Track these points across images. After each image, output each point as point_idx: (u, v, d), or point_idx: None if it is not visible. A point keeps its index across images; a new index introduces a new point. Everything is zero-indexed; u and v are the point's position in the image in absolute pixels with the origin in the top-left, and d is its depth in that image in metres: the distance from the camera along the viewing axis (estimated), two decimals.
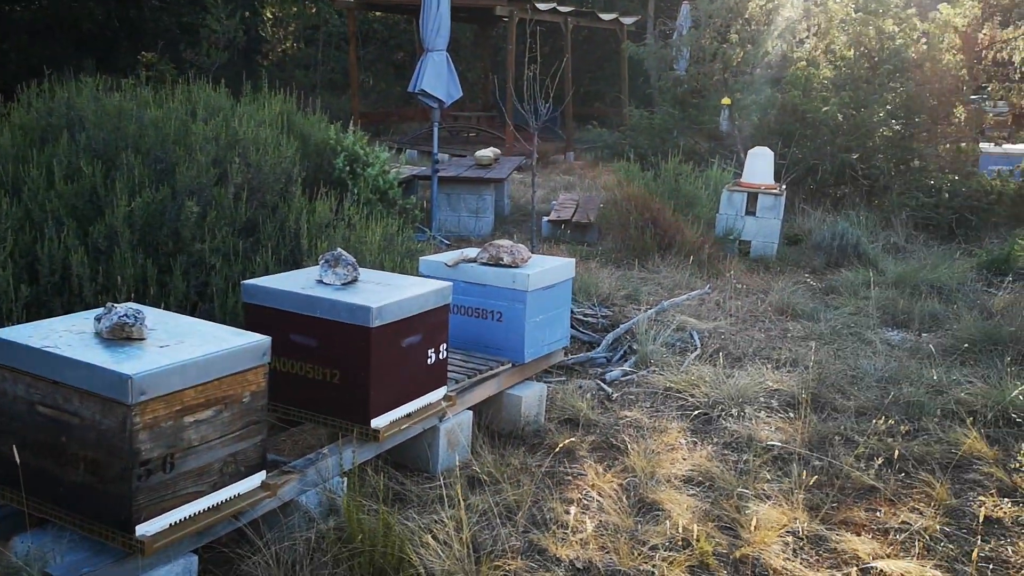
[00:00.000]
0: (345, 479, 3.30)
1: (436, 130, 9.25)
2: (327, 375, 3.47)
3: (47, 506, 2.65)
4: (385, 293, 3.52)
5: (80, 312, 2.99)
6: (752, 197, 8.67)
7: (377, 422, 3.44)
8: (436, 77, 8.72)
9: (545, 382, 4.83)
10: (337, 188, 6.26)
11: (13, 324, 3.76)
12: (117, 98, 5.22)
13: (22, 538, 2.65)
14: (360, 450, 3.45)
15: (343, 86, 19.38)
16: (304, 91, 7.48)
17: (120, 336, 2.66)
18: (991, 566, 3.28)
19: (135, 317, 2.68)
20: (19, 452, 2.62)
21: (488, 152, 10.61)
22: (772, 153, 9.01)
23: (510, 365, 4.37)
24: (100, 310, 2.74)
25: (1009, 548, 3.42)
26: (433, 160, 9.25)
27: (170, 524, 2.60)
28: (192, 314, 4.19)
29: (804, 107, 10.49)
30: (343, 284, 3.61)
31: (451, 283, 3.89)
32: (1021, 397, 4.68)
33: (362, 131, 7.20)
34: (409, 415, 3.62)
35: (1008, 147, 12.85)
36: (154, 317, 2.93)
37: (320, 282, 3.62)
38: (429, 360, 3.70)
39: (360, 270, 3.73)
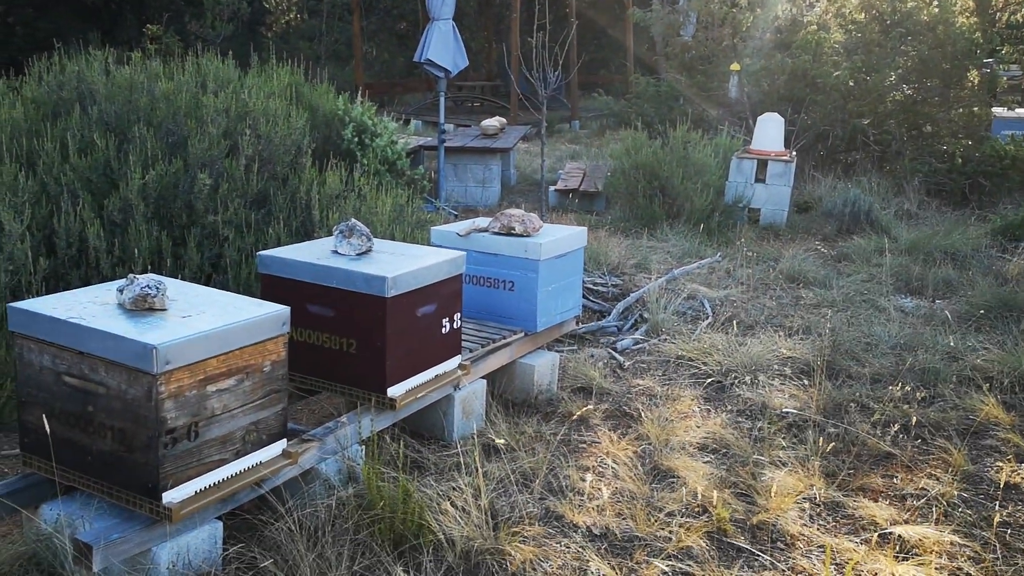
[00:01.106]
0: (363, 447, 3.33)
1: (442, 100, 9.20)
2: (344, 345, 3.48)
3: (75, 474, 2.68)
4: (400, 263, 3.53)
5: (101, 283, 3.01)
6: (762, 164, 8.62)
7: (393, 391, 3.46)
8: (443, 46, 8.67)
9: (557, 351, 4.85)
10: (346, 159, 6.25)
11: (33, 296, 3.78)
12: (127, 71, 5.20)
13: (51, 506, 2.69)
14: (377, 418, 3.47)
15: (347, 57, 19.26)
16: (309, 62, 7.43)
17: (143, 307, 2.68)
18: (1009, 531, 3.30)
19: (157, 288, 2.69)
20: (47, 421, 2.65)
21: (494, 121, 10.56)
22: (782, 119, 8.95)
23: (523, 334, 4.38)
24: (122, 281, 2.76)
25: None
26: (439, 130, 9.22)
27: (195, 491, 2.63)
28: (206, 285, 4.21)
29: (814, 72, 10.39)
30: (358, 254, 3.62)
31: (464, 252, 3.89)
32: None
33: (368, 102, 7.17)
34: (425, 384, 3.64)
35: (1021, 111, 12.74)
36: (175, 288, 2.94)
37: (335, 252, 3.63)
38: (444, 329, 3.71)
39: (374, 240, 3.73)
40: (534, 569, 2.95)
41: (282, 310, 2.86)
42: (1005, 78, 13.68)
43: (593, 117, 17.05)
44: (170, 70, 5.48)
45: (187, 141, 4.70)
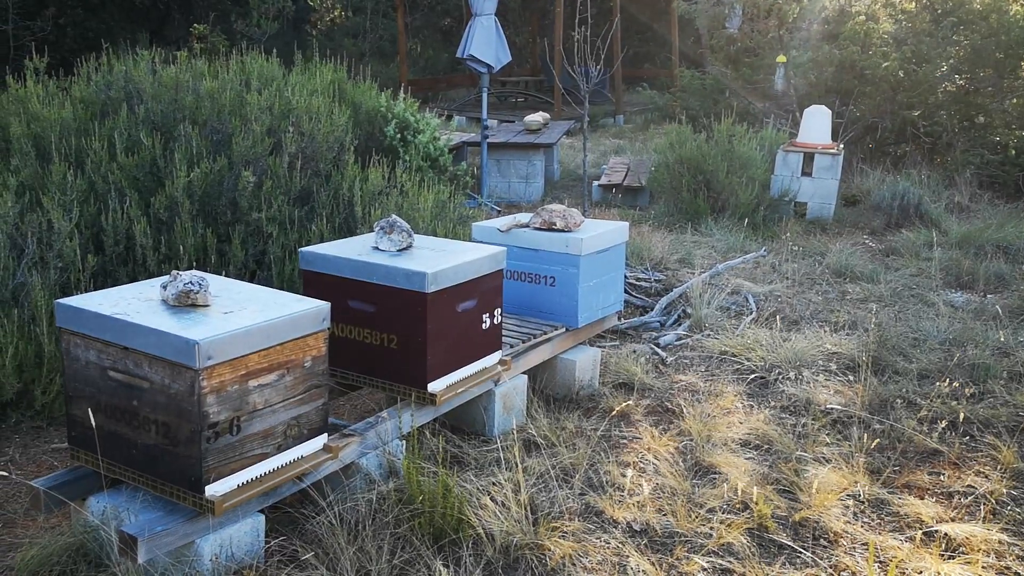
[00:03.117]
0: (404, 442, 3.36)
1: (485, 96, 9.21)
2: (385, 340, 3.51)
3: (121, 467, 2.74)
4: (440, 259, 3.54)
5: (146, 280, 3.07)
6: (808, 157, 8.49)
7: (434, 386, 3.48)
8: (485, 42, 8.67)
9: (599, 346, 4.83)
10: (388, 156, 6.28)
11: (81, 293, 3.87)
12: (173, 70, 5.30)
13: (98, 498, 2.75)
14: (418, 413, 3.49)
15: (391, 54, 19.37)
16: (353, 59, 7.49)
17: (186, 303, 2.72)
18: None
19: (199, 284, 2.74)
20: (94, 415, 2.71)
21: (537, 117, 10.55)
22: (829, 112, 8.80)
23: (564, 329, 4.37)
24: (166, 278, 2.81)
25: None
26: (483, 126, 9.23)
27: (238, 485, 2.67)
28: (250, 281, 4.28)
29: (863, 63, 10.19)
30: (398, 250, 3.64)
31: (504, 248, 3.89)
32: None
33: (412, 98, 7.21)
34: (465, 379, 3.65)
35: None
36: (217, 284, 2.99)
37: (376, 248, 3.65)
38: (484, 325, 3.72)
39: (414, 236, 3.75)
40: (573, 564, 2.95)
41: (322, 306, 2.89)
42: None
43: (637, 111, 16.93)
44: (215, 69, 5.56)
45: (231, 139, 4.77)
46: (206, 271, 4.10)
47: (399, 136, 6.57)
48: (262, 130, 4.85)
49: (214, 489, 2.59)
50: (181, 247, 4.32)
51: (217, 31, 12.81)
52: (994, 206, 8.73)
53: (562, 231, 4.41)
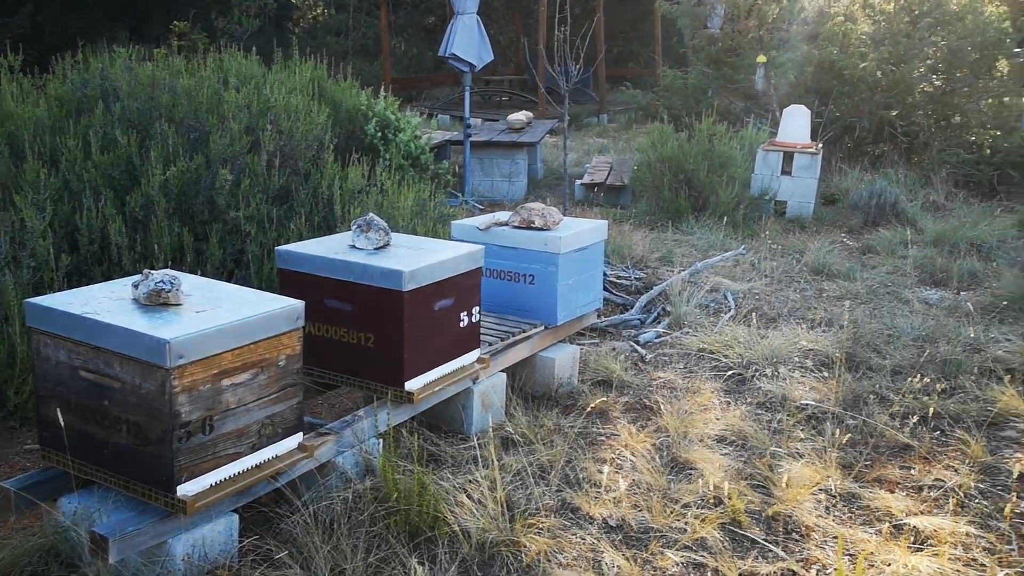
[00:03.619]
0: (381, 440, 3.36)
1: (468, 94, 9.22)
2: (362, 339, 3.51)
3: (92, 468, 2.73)
4: (417, 257, 3.55)
5: (118, 279, 3.06)
6: (788, 156, 8.55)
7: (411, 384, 3.49)
8: (467, 41, 8.68)
9: (578, 344, 4.85)
10: (369, 154, 6.29)
11: (55, 292, 3.86)
12: (150, 68, 5.28)
13: (69, 499, 2.75)
14: (395, 412, 3.50)
15: (375, 52, 19.33)
16: (335, 57, 7.48)
17: (157, 302, 2.72)
18: None
19: (171, 283, 2.73)
20: (64, 416, 2.71)
21: (520, 116, 10.56)
22: (808, 111, 8.86)
23: (543, 327, 4.39)
24: (137, 277, 2.80)
25: None
26: (465, 125, 9.24)
27: (211, 484, 2.67)
28: (228, 281, 4.27)
29: (841, 64, 10.27)
30: (375, 249, 3.64)
31: (483, 246, 3.90)
32: None
33: (393, 97, 7.21)
34: (443, 377, 3.66)
35: None
36: (190, 283, 2.99)
37: (353, 247, 3.66)
38: (462, 323, 3.73)
39: (392, 235, 3.76)
40: (548, 560, 2.97)
41: (296, 304, 2.89)
42: None
43: (621, 110, 16.99)
44: (192, 66, 5.54)
45: (208, 137, 4.76)
46: (183, 270, 4.10)
47: (380, 135, 6.57)
48: (240, 128, 4.85)
49: (186, 489, 2.59)
50: (156, 246, 4.31)
51: (197, 29, 12.75)
52: (969, 205, 8.81)
53: (541, 229, 4.42)
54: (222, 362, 2.64)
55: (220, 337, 2.61)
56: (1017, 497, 3.44)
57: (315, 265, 3.57)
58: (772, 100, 10.95)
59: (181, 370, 2.51)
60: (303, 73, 6.31)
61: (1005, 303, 5.60)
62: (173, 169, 4.51)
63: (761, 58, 11.08)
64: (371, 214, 3.74)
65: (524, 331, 4.29)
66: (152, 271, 2.77)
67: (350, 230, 3.75)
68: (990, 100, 10.49)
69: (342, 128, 6.47)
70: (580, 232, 4.50)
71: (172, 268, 4.10)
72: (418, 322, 3.47)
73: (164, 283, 2.71)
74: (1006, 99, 10.56)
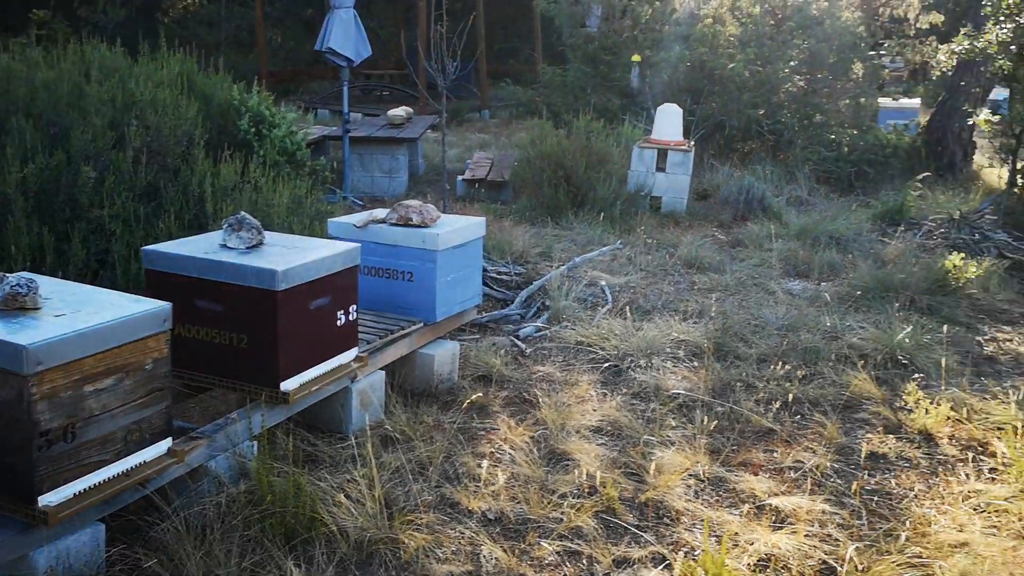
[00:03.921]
0: (255, 443, 3.31)
1: (346, 89, 9.12)
2: (234, 340, 3.45)
3: None
4: (291, 256, 3.51)
5: None
6: (662, 153, 8.81)
7: (287, 385, 3.45)
8: (344, 35, 8.57)
9: (459, 340, 4.89)
10: (242, 150, 6.12)
11: None
12: (5, 60, 5.00)
13: None
14: (270, 413, 3.45)
15: (250, 44, 18.83)
16: (207, 50, 7.25)
17: (13, 307, 2.60)
18: (875, 497, 3.50)
19: (28, 287, 2.62)
20: None
21: (401, 111, 10.51)
22: (680, 110, 9.16)
23: (422, 324, 4.41)
24: None
25: (892, 480, 3.65)
26: (344, 120, 9.13)
27: (74, 494, 2.57)
28: (93, 282, 4.11)
29: (711, 64, 10.66)
30: (248, 248, 3.58)
31: (359, 244, 3.89)
32: (907, 340, 4.95)
33: (268, 91, 7.05)
34: (320, 377, 3.63)
35: (904, 101, 13.35)
36: (49, 286, 2.87)
37: (224, 246, 3.58)
38: (339, 322, 3.71)
39: (266, 233, 3.70)
40: (427, 556, 2.99)
41: (163, 306, 2.82)
42: (888, 70, 14.31)
43: (503, 107, 17.11)
44: (52, 58, 5.28)
45: (69, 132, 4.56)
46: (43, 272, 3.91)
47: (254, 130, 6.42)
48: (103, 123, 4.65)
49: (48, 499, 2.49)
50: (14, 247, 4.10)
51: (59, 18, 12.13)
52: (829, 199, 9.31)
53: (419, 227, 4.44)
54: (83, 367, 2.55)
55: (81, 342, 2.52)
56: (868, 475, 3.68)
57: (184, 265, 3.48)
58: (647, 98, 11.26)
59: (40, 377, 2.41)
60: (172, 66, 6.09)
61: (860, 293, 5.96)
62: (31, 166, 4.30)
63: (636, 57, 11.39)
64: (243, 212, 3.67)
65: (403, 328, 4.29)
66: (8, 275, 2.65)
67: (221, 229, 3.68)
68: (848, 101, 11.10)
69: (214, 123, 6.28)
70: (459, 229, 4.53)
71: (32, 270, 3.91)
72: (293, 322, 3.43)
73: (20, 287, 2.60)
74: (862, 100, 11.21)
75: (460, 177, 9.59)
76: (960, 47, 8.34)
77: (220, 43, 17.23)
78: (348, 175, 9.09)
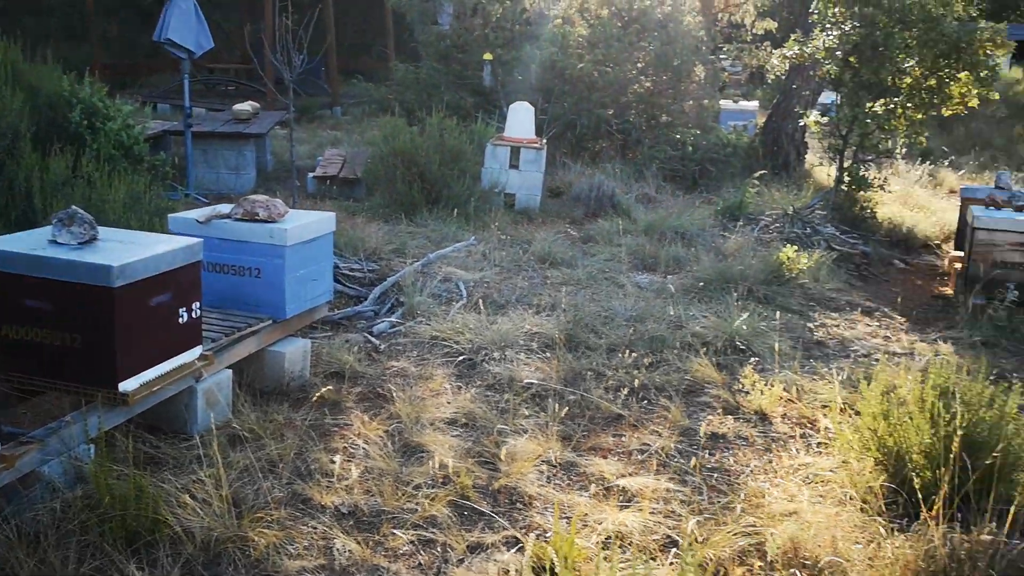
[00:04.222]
0: (92, 446, 3.15)
1: (187, 83, 8.76)
2: (66, 340, 3.27)
3: None
4: (128, 251, 3.36)
5: None
6: (515, 151, 8.93)
7: (125, 385, 3.30)
8: (184, 25, 8.24)
9: (311, 338, 4.81)
10: (74, 144, 5.80)
11: None
12: None
13: None
14: (108, 415, 3.29)
15: (83, 35, 17.79)
16: (35, 39, 6.81)
17: None
18: (715, 474, 3.69)
19: None
20: None
21: (246, 106, 10.20)
22: (532, 108, 9.31)
23: (271, 321, 4.31)
24: None
25: (731, 458, 3.86)
26: (185, 114, 8.78)
27: None
28: None
29: (561, 64, 10.89)
30: (80, 243, 3.40)
31: (201, 239, 3.76)
32: (745, 327, 5.23)
33: (103, 83, 6.70)
34: (161, 376, 3.49)
35: (744, 104, 14.09)
36: None
37: (53, 242, 3.39)
38: (181, 319, 3.58)
39: (100, 229, 3.53)
40: (278, 552, 2.94)
41: None
42: (728, 73, 15.07)
43: (355, 103, 16.86)
44: None
45: None
46: None
47: (86, 123, 6.09)
48: None
49: None
50: None
51: None
52: (675, 196, 9.70)
53: (265, 221, 4.34)
54: None
55: None
56: (708, 454, 3.88)
57: (10, 262, 3.28)
58: (500, 97, 11.39)
59: None
60: None
61: (702, 284, 6.25)
62: None
63: (487, 56, 11.50)
64: (73, 207, 3.49)
65: (251, 326, 4.19)
66: None
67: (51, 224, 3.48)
68: (691, 102, 11.59)
69: (42, 115, 5.92)
70: (307, 224, 4.46)
71: None
72: (131, 319, 3.29)
73: None
74: (705, 101, 11.73)
75: (311, 174, 9.41)
76: (791, 52, 8.87)
77: (50, 33, 16.18)
78: (191, 171, 8.75)
